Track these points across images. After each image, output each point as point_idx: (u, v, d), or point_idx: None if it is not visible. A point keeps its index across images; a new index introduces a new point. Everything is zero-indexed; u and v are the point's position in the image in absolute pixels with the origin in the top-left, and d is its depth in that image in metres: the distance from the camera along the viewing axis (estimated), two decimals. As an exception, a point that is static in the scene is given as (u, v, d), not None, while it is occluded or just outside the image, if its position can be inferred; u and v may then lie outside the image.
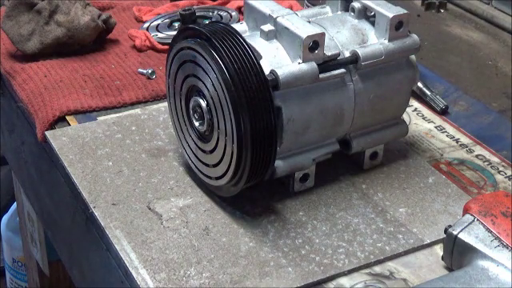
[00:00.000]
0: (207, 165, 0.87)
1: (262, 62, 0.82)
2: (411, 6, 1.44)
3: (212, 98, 0.83)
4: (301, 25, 0.85)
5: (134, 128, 1.03)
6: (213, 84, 0.82)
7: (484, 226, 0.76)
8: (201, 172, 0.89)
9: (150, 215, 0.87)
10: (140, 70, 1.15)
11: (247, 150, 0.80)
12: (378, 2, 0.91)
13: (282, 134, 0.85)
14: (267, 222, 0.87)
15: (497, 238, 0.75)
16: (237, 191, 0.86)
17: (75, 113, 1.06)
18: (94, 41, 1.21)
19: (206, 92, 0.84)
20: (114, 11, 1.34)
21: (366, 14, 0.92)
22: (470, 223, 0.77)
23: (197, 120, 0.87)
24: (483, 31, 1.38)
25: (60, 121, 1.05)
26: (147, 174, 0.94)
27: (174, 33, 0.92)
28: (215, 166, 0.86)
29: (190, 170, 0.93)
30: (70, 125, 1.04)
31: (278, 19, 0.87)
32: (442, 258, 0.81)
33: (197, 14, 0.88)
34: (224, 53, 0.80)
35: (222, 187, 0.87)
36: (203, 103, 0.85)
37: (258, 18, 0.90)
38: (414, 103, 1.11)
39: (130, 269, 0.80)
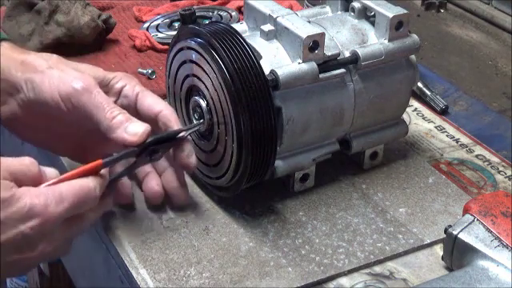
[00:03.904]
0: (207, 165, 0.87)
1: (262, 62, 0.82)
2: (411, 6, 1.44)
3: (212, 97, 0.83)
4: (301, 25, 0.85)
5: (134, 128, 1.02)
6: (213, 84, 0.82)
7: (484, 225, 0.76)
8: (201, 172, 0.89)
9: (150, 215, 0.87)
10: (140, 69, 1.15)
11: (247, 150, 0.80)
12: (378, 2, 0.91)
13: (282, 134, 0.85)
14: (267, 222, 0.87)
15: (497, 237, 0.75)
16: (237, 191, 0.86)
17: (75, 113, 1.06)
18: (94, 41, 1.21)
19: (206, 92, 0.84)
20: (113, 11, 1.34)
21: (366, 14, 0.92)
22: (470, 223, 0.77)
23: (197, 120, 0.87)
24: (483, 31, 1.38)
25: (60, 121, 1.05)
26: (147, 174, 0.94)
27: (174, 33, 0.92)
28: (215, 165, 0.86)
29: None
30: (70, 125, 1.04)
31: (278, 19, 0.87)
32: (442, 258, 0.81)
33: (197, 14, 0.88)
34: (224, 53, 0.80)
35: (222, 187, 0.87)
36: (203, 103, 0.85)
37: (257, 17, 0.90)
38: (414, 103, 1.11)
39: (130, 269, 0.80)
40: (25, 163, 0.71)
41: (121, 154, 0.78)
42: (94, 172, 0.74)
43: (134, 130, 0.78)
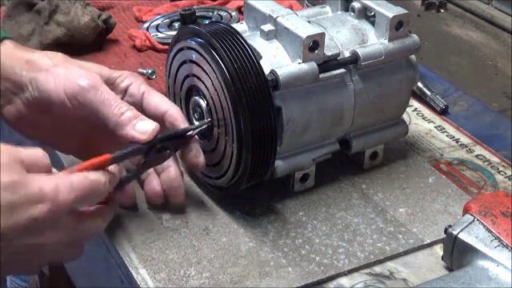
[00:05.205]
0: (207, 165, 0.87)
1: (262, 62, 0.82)
2: (411, 6, 1.44)
3: (212, 98, 0.83)
4: (301, 25, 0.85)
5: (134, 128, 1.02)
6: (213, 84, 0.82)
7: (484, 225, 0.76)
8: (201, 172, 0.89)
9: (150, 215, 0.87)
10: (140, 69, 1.15)
11: (247, 150, 0.80)
12: (378, 2, 0.91)
13: (282, 134, 0.85)
14: (267, 222, 0.87)
15: (497, 237, 0.75)
16: (237, 191, 0.86)
17: (75, 113, 1.06)
18: (94, 41, 1.21)
19: (206, 92, 0.84)
20: (113, 11, 1.34)
21: (366, 14, 0.93)
22: (470, 223, 0.77)
23: (197, 120, 0.87)
24: (483, 31, 1.38)
25: (60, 121, 1.05)
26: (147, 174, 0.94)
27: (174, 33, 0.92)
28: (215, 165, 0.86)
29: (189, 170, 0.93)
30: (70, 125, 1.04)
31: (278, 19, 0.87)
32: (442, 258, 0.81)
33: (197, 14, 0.88)
34: (224, 53, 0.80)
35: (222, 187, 0.87)
36: (203, 103, 0.85)
37: (257, 17, 0.90)
38: (414, 103, 1.11)
39: (130, 269, 0.80)
40: (38, 154, 0.72)
41: (129, 150, 0.78)
42: (102, 166, 0.74)
43: (143, 128, 0.79)
